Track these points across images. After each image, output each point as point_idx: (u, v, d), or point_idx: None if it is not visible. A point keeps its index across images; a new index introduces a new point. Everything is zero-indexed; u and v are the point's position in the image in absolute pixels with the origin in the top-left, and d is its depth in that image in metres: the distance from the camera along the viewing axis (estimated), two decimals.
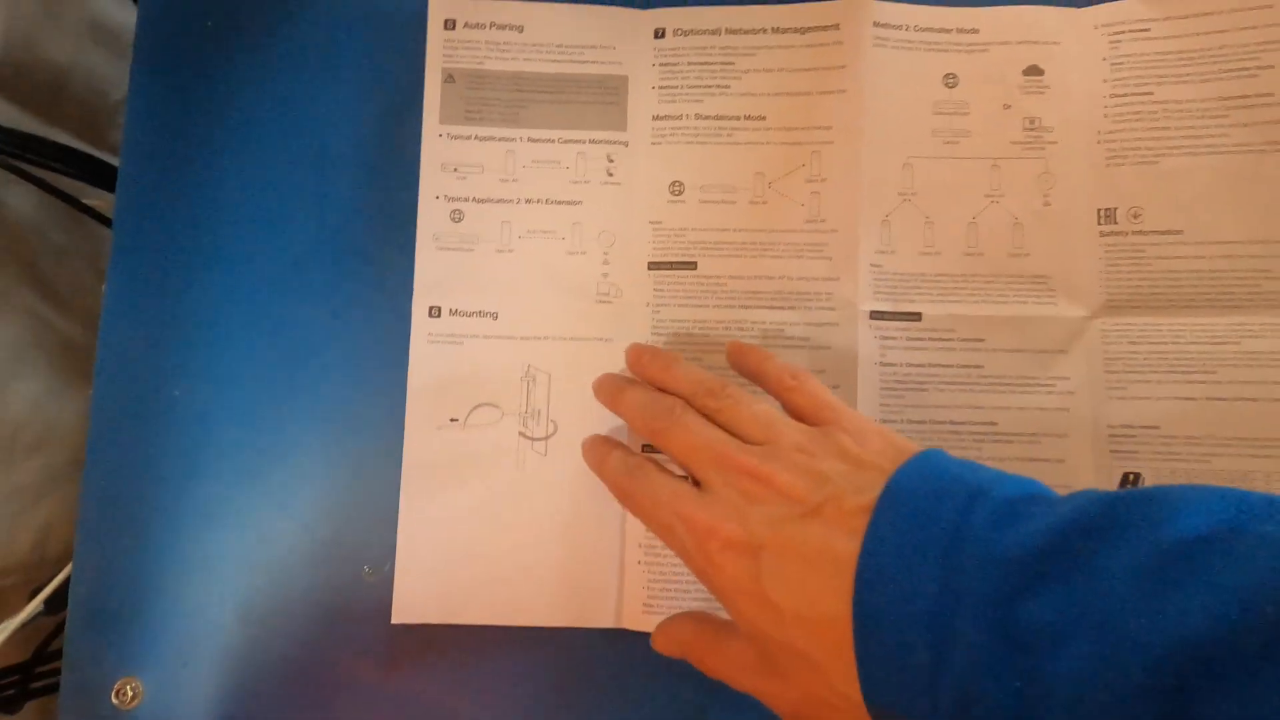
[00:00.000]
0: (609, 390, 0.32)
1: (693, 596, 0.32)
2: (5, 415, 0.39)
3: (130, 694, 0.32)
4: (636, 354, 0.32)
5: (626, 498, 0.29)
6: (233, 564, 0.33)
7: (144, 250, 0.35)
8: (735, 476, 0.26)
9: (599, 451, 0.31)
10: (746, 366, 0.31)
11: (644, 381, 0.31)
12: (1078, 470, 0.32)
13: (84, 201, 0.41)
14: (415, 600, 0.33)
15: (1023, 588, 0.20)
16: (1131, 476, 0.32)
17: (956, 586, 0.21)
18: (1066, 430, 0.33)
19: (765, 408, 0.28)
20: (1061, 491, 0.32)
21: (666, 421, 0.28)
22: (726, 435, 0.27)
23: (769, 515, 0.24)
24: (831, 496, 0.24)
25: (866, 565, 0.22)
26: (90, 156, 0.41)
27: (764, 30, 0.35)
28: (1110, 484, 0.32)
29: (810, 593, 0.23)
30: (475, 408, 0.34)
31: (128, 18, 0.44)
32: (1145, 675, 0.18)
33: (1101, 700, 0.19)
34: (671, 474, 0.28)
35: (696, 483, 0.27)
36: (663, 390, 0.30)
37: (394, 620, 0.33)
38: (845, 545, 0.23)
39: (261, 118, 0.36)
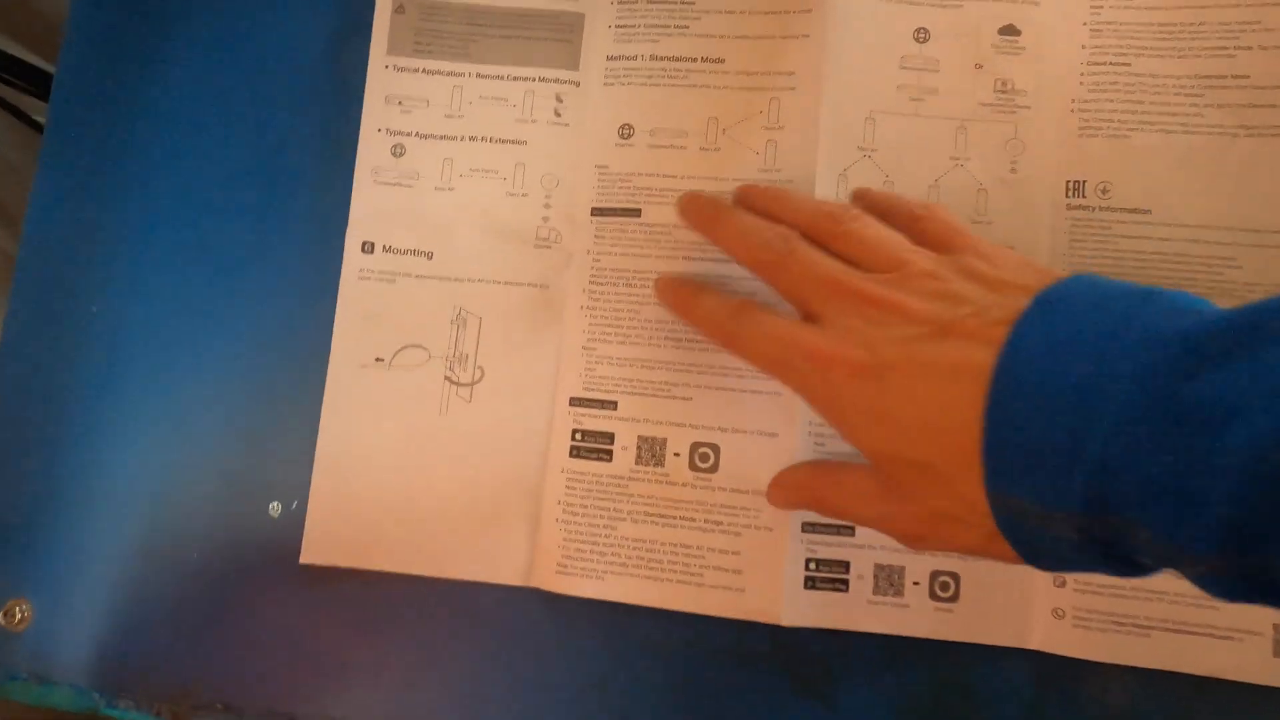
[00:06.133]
0: (707, 213, 0.29)
1: (608, 560, 0.31)
2: None
3: (19, 615, 0.31)
4: (743, 189, 0.29)
5: (730, 339, 0.27)
6: (136, 490, 0.32)
7: (72, 161, 0.34)
8: (857, 305, 0.24)
9: (682, 293, 0.29)
10: (872, 202, 0.29)
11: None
12: None
13: (34, 118, 0.40)
14: (325, 542, 0.32)
15: (1195, 366, 0.18)
16: None
17: (1113, 366, 0.19)
18: None
19: (891, 232, 0.26)
20: None
21: (779, 250, 0.26)
22: (845, 265, 0.25)
23: (896, 336, 0.23)
24: (968, 314, 0.22)
25: (1008, 358, 0.21)
26: (43, 72, 0.40)
27: None
28: None
29: (938, 403, 0.22)
30: (402, 348, 0.33)
31: None
32: None
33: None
34: (776, 311, 0.26)
35: (808, 319, 0.26)
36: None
37: (302, 560, 0.32)
38: (982, 355, 0.21)
39: (203, 32, 0.35)
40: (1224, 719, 0.29)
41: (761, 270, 0.27)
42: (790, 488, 0.29)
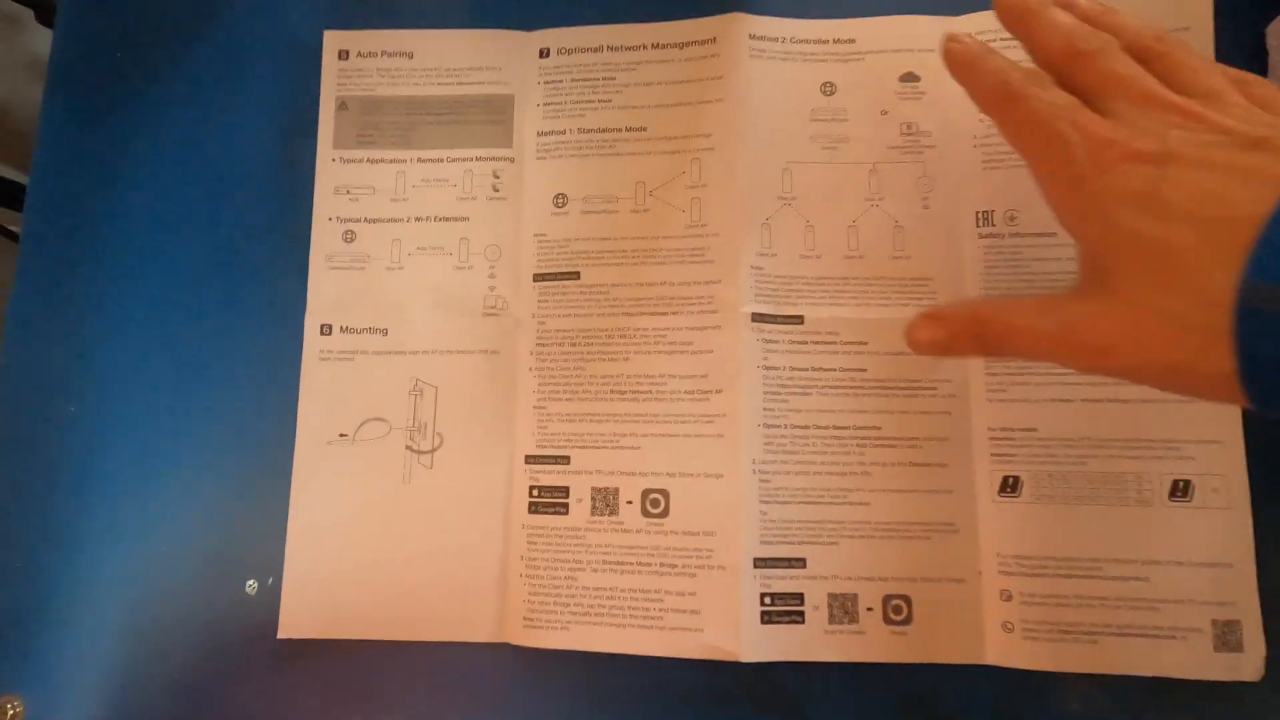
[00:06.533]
0: (1025, 2, 0.27)
1: (571, 611, 0.32)
2: None
3: (11, 712, 0.32)
4: None
5: (1010, 97, 0.25)
6: (118, 581, 0.33)
7: (47, 269, 0.36)
8: (1162, 110, 0.23)
9: (973, 50, 0.27)
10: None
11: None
12: (958, 474, 0.32)
13: (10, 228, 0.43)
14: (302, 615, 0.33)
15: None
16: (1011, 480, 0.31)
17: None
18: (948, 434, 0.32)
19: (1213, 66, 0.25)
20: (944, 498, 0.32)
21: (1097, 44, 0.25)
22: (1159, 80, 0.24)
23: (1194, 138, 0.22)
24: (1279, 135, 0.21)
25: None
26: (16, 184, 0.42)
27: (643, 46, 0.36)
28: (992, 489, 0.31)
29: (1221, 196, 0.21)
30: (364, 422, 0.34)
31: None
32: None
33: None
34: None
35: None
36: None
37: (280, 635, 0.33)
38: None
39: (164, 142, 0.37)
40: (1179, 718, 0.30)
41: (1069, 59, 0.25)
42: (946, 319, 0.26)
